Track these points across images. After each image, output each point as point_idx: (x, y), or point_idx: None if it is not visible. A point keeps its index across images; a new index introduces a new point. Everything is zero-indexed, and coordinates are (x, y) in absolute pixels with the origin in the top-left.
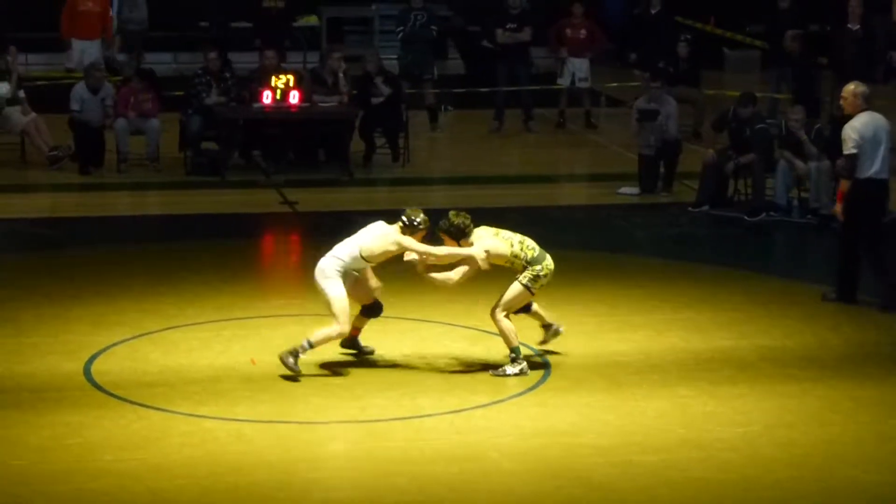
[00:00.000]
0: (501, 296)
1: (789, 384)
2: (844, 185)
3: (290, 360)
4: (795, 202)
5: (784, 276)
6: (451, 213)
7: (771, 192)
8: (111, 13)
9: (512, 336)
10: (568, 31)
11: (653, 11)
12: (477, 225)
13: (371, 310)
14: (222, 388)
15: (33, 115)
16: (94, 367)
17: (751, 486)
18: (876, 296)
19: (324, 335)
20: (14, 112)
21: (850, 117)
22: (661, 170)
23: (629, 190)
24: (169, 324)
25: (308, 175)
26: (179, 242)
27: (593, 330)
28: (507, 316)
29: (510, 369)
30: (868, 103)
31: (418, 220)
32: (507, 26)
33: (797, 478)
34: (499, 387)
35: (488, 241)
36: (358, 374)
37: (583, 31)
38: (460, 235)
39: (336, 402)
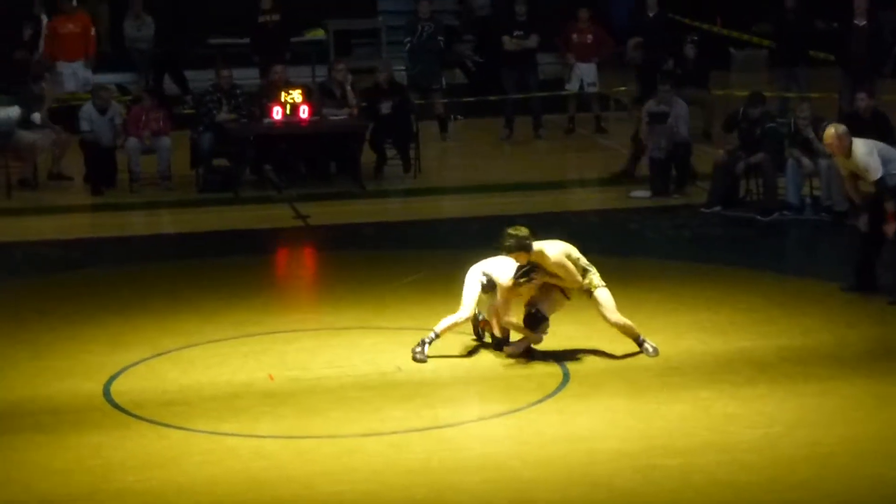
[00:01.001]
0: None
1: (810, 383)
2: (892, 205)
3: (418, 349)
4: (808, 200)
5: (800, 275)
6: (509, 229)
7: (783, 191)
8: (91, 32)
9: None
10: (574, 36)
11: (650, 14)
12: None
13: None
14: (242, 405)
15: (54, 136)
16: (114, 388)
17: (775, 487)
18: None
19: (449, 322)
20: (26, 134)
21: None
22: (673, 172)
23: (641, 193)
24: (186, 342)
25: (320, 189)
26: (194, 260)
27: (611, 335)
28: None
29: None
30: (849, 136)
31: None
32: (515, 34)
33: (821, 477)
34: (517, 395)
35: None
36: (377, 387)
37: (589, 36)
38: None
39: (356, 414)
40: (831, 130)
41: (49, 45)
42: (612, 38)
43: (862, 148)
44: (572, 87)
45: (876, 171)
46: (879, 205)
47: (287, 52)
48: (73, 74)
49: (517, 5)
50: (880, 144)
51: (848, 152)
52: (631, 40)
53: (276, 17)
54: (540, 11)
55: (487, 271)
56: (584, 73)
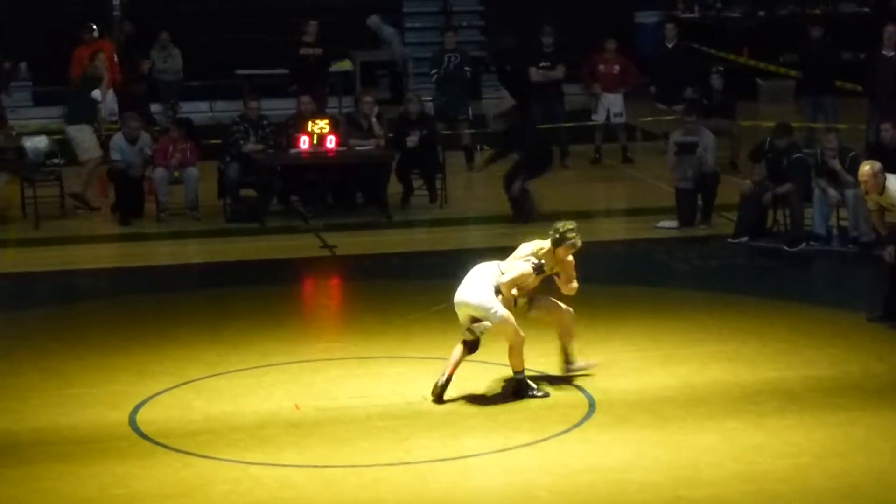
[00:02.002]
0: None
1: (837, 414)
2: None
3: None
4: (835, 231)
5: (827, 305)
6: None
7: (810, 222)
8: (115, 60)
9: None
10: (601, 66)
11: (669, 45)
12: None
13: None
14: (267, 434)
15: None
16: (139, 417)
17: None
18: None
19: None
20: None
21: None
22: (699, 202)
23: (668, 223)
24: (212, 371)
25: (346, 219)
26: (221, 290)
27: (638, 365)
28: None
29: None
30: (884, 174)
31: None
32: (541, 64)
33: None
34: (543, 425)
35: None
36: (403, 416)
37: (616, 67)
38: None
39: (382, 444)
40: (867, 168)
41: (77, 74)
42: (638, 68)
43: (893, 183)
44: (599, 117)
45: None
46: None
47: (326, 84)
48: (101, 105)
49: (544, 36)
50: None
51: (882, 189)
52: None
53: (318, 52)
54: (566, 43)
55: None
56: (611, 104)
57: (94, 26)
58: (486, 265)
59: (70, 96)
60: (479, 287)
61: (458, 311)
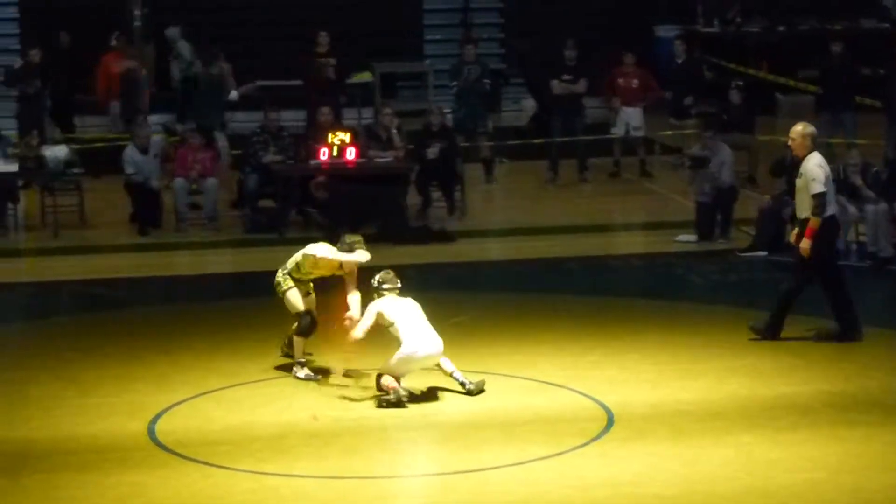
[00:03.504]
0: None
1: (853, 429)
2: (815, 222)
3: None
4: (854, 246)
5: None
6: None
7: None
8: (143, 71)
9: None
10: (620, 80)
11: (678, 61)
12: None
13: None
14: (285, 445)
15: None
16: (158, 427)
17: None
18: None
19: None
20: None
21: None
22: (718, 216)
23: (687, 237)
24: (231, 381)
25: (365, 230)
26: (239, 300)
27: (655, 378)
28: None
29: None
30: (815, 143)
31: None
32: (563, 77)
33: None
34: (560, 438)
35: None
36: (420, 429)
37: (635, 81)
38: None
39: (399, 456)
40: (799, 127)
41: (104, 84)
42: (658, 82)
43: (816, 159)
44: (618, 131)
45: (819, 186)
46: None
47: (342, 95)
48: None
49: (566, 50)
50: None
51: (807, 153)
52: None
53: (332, 61)
54: (588, 56)
55: None
56: (630, 118)
57: (124, 34)
58: (415, 304)
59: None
60: None
61: (430, 361)
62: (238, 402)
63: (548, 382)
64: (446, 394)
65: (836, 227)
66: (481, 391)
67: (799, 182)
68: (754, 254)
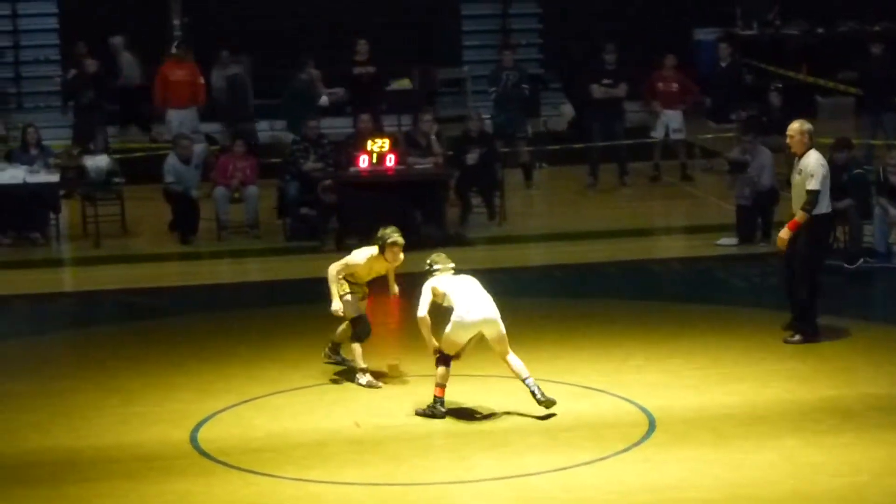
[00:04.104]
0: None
1: None
2: (801, 217)
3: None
4: (895, 248)
5: (885, 323)
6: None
7: (870, 239)
8: (201, 80)
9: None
10: (660, 84)
11: (723, 65)
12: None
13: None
14: (328, 452)
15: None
16: (201, 435)
17: None
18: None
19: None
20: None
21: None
22: (759, 220)
23: (728, 241)
24: (273, 389)
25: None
26: (281, 308)
27: (697, 383)
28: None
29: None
30: (813, 140)
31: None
32: (603, 82)
33: None
34: (604, 443)
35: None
36: (463, 434)
37: (675, 84)
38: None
39: (442, 462)
40: (796, 125)
41: (161, 91)
42: (697, 86)
43: (815, 157)
44: (658, 134)
45: (816, 183)
46: (812, 232)
47: (382, 102)
48: (181, 123)
49: (606, 54)
50: None
51: (805, 150)
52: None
53: (371, 70)
54: (627, 61)
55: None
56: (670, 121)
57: (184, 44)
58: (472, 279)
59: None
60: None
61: (485, 327)
62: (280, 410)
63: (590, 387)
64: (490, 399)
65: (830, 225)
66: (552, 404)
67: (797, 178)
68: None
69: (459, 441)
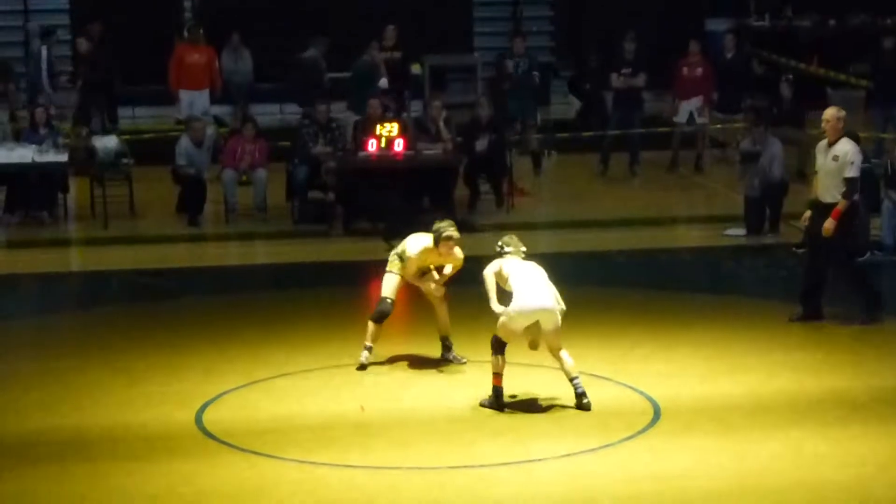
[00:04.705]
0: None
1: None
2: (843, 205)
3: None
4: None
5: (892, 316)
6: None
7: (877, 232)
8: (216, 64)
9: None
10: (685, 69)
11: (728, 56)
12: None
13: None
14: (333, 435)
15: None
16: (206, 416)
17: None
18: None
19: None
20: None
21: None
22: (767, 211)
23: (736, 231)
24: (279, 371)
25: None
26: (288, 291)
27: (704, 372)
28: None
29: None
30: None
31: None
32: (622, 71)
33: None
34: (608, 431)
35: None
36: (468, 420)
37: (699, 70)
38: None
39: (447, 447)
40: (832, 111)
41: (176, 73)
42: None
43: (851, 144)
44: (680, 119)
45: (854, 170)
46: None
47: (407, 87)
48: (191, 104)
49: (625, 42)
50: None
51: (838, 137)
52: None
53: (397, 55)
54: (647, 51)
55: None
56: (693, 106)
57: (197, 25)
58: (537, 267)
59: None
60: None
61: (543, 317)
62: (285, 392)
63: (597, 375)
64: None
65: (858, 212)
66: (588, 408)
67: (830, 165)
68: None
69: (465, 426)
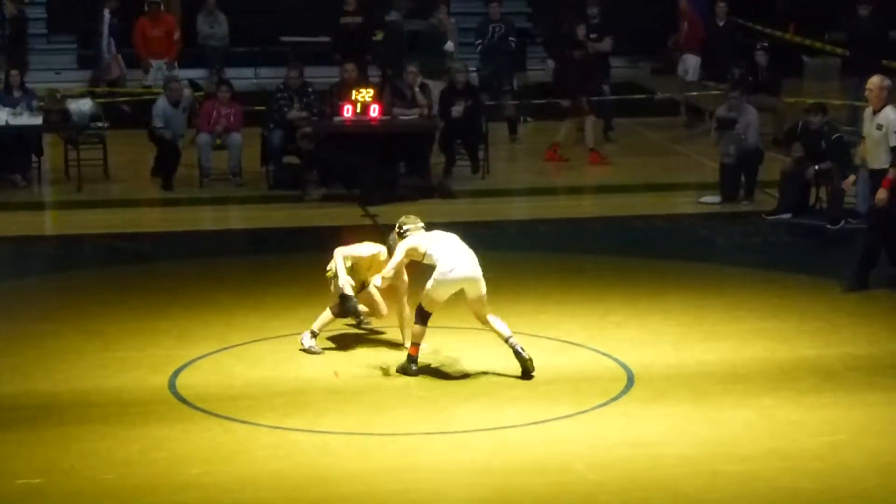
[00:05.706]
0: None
1: (876, 393)
2: (894, 173)
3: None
4: None
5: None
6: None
7: (851, 200)
8: (176, 36)
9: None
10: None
11: (720, 24)
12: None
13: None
14: (307, 401)
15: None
16: (180, 381)
17: (837, 496)
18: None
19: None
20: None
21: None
22: (743, 178)
23: (710, 199)
24: (253, 337)
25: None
26: (262, 256)
27: (677, 340)
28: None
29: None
30: (891, 96)
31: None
32: (590, 36)
33: (883, 486)
34: (582, 397)
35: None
36: (443, 386)
37: (686, 25)
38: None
39: (421, 413)
40: (877, 80)
41: (140, 45)
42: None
43: (893, 112)
44: (681, 72)
45: None
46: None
47: (368, 53)
48: (159, 69)
49: (589, 7)
50: None
51: (882, 105)
52: None
53: (358, 20)
54: (614, 15)
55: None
56: (688, 64)
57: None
58: (452, 235)
59: None
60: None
61: (467, 286)
62: (260, 358)
63: (571, 342)
64: (471, 354)
65: None
66: (530, 365)
67: (875, 133)
68: (779, 216)
69: (439, 392)
